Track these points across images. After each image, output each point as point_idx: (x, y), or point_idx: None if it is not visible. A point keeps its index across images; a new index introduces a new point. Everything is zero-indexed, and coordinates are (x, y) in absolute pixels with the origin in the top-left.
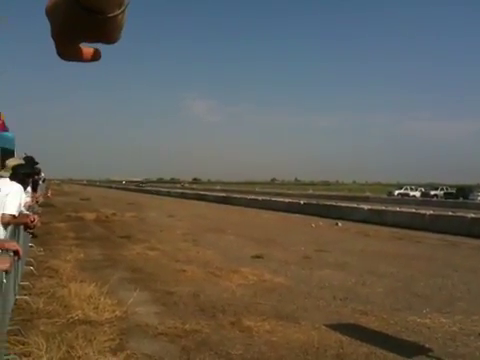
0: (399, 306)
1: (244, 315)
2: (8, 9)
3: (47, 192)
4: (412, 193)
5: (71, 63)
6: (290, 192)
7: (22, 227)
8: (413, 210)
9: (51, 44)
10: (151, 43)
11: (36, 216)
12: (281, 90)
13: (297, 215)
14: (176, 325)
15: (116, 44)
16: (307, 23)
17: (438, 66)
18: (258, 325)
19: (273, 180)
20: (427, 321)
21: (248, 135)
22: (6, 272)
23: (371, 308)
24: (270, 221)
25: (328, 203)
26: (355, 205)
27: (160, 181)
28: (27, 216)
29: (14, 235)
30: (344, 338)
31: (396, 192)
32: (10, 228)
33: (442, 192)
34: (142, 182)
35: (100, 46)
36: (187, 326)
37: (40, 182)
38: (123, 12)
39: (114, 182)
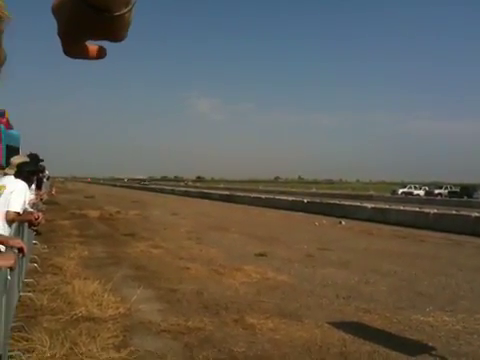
0: (402, 304)
1: (247, 313)
2: (14, 7)
3: (51, 190)
4: (416, 192)
5: (76, 62)
6: (293, 190)
7: (26, 224)
8: (417, 209)
9: (57, 42)
10: (156, 42)
11: (40, 214)
12: (281, 90)
13: (300, 213)
14: (179, 322)
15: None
16: (307, 23)
17: (438, 66)
18: (261, 323)
19: (276, 178)
20: (430, 319)
21: (251, 133)
22: (11, 269)
23: (374, 306)
24: (273, 219)
25: (331, 201)
26: (359, 204)
27: (164, 179)
28: (31, 214)
29: (18, 232)
30: (347, 336)
31: (400, 191)
32: (14, 225)
33: (446, 191)
34: (145, 180)
35: (105, 44)
36: (190, 323)
37: (44, 180)
38: (130, 10)
39: (118, 180)
